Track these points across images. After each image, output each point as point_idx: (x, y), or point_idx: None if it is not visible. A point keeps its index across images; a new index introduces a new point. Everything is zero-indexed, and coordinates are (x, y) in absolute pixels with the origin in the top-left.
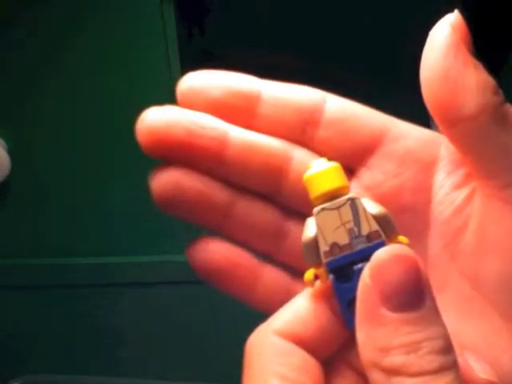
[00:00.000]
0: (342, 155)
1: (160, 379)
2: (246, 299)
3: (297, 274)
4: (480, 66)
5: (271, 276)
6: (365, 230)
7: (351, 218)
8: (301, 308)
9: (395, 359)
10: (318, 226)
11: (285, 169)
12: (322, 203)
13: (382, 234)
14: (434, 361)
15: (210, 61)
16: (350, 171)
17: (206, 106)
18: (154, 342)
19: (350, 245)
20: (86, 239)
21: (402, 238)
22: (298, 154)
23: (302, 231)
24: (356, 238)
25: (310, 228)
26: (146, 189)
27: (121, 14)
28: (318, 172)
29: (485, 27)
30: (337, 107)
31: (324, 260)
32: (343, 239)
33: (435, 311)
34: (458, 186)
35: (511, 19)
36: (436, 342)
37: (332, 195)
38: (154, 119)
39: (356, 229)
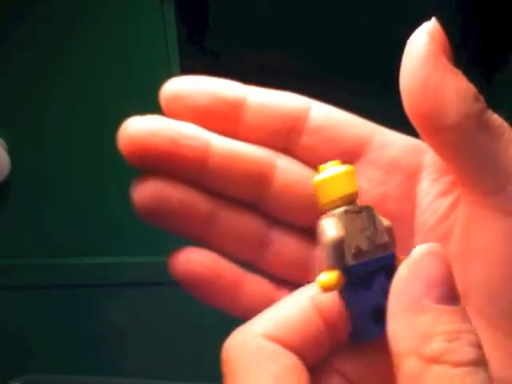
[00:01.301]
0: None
1: (160, 379)
2: (229, 310)
3: (280, 282)
4: (460, 74)
5: (254, 285)
6: (379, 240)
7: (369, 226)
8: (290, 312)
9: (436, 346)
10: (346, 227)
11: (269, 177)
12: (338, 207)
13: (391, 246)
14: (473, 352)
15: (210, 61)
16: None
17: (190, 113)
18: (153, 341)
19: (369, 252)
20: (85, 239)
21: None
22: (282, 163)
23: (286, 239)
24: (374, 246)
25: (333, 228)
26: None
27: (121, 14)
28: (336, 174)
29: (486, 27)
30: (321, 114)
31: (350, 263)
32: (364, 245)
33: (465, 311)
34: (443, 194)
35: (511, 19)
36: (473, 336)
37: (349, 200)
38: (137, 128)
39: (373, 237)
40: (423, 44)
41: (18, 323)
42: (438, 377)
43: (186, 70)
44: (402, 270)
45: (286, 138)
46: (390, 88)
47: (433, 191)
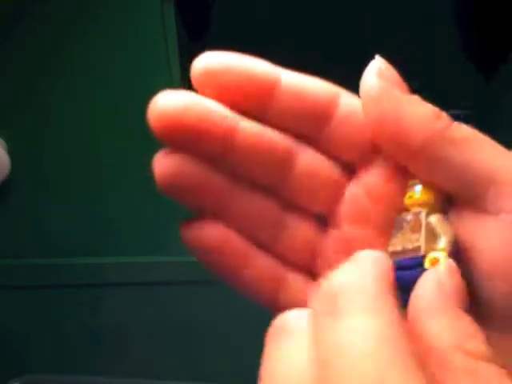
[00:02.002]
0: (347, 153)
1: (160, 379)
2: (233, 281)
3: (288, 264)
4: (415, 100)
5: (261, 263)
6: (410, 243)
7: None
8: None
9: (479, 344)
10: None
11: (290, 164)
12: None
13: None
14: None
15: None
16: (352, 170)
17: (222, 90)
18: (153, 341)
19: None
20: (85, 239)
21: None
22: (305, 150)
23: (299, 225)
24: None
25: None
26: (146, 189)
27: (121, 14)
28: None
29: (486, 27)
30: (350, 105)
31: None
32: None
33: None
34: None
35: (511, 19)
36: None
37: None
38: (167, 103)
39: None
40: (373, 85)
41: (18, 323)
42: (489, 371)
43: (186, 70)
44: (440, 276)
45: (313, 125)
46: None
47: None
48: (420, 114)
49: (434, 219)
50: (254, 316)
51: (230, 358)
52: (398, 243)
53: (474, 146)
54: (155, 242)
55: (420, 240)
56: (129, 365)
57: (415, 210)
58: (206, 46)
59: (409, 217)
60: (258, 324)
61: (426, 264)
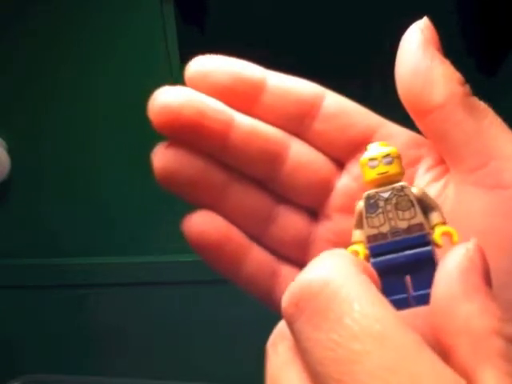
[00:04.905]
0: (335, 148)
1: (160, 379)
2: (232, 276)
3: (281, 257)
4: (447, 62)
5: (258, 256)
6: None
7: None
8: None
9: None
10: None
11: (282, 157)
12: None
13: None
14: None
15: None
16: (340, 164)
17: (212, 90)
18: (153, 342)
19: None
20: (85, 239)
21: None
22: (296, 145)
23: (290, 217)
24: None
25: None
26: (145, 189)
27: (121, 14)
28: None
29: (485, 26)
30: (334, 102)
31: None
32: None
33: None
34: (436, 179)
35: (511, 19)
36: None
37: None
38: (167, 98)
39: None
40: (415, 36)
41: (17, 323)
42: None
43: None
44: (460, 260)
45: (299, 122)
46: (380, 86)
47: (427, 176)
48: (449, 74)
49: (419, 192)
50: (254, 316)
51: (230, 358)
52: (382, 225)
53: (488, 119)
54: (155, 242)
55: (417, 217)
56: (128, 365)
57: (386, 187)
58: (206, 45)
59: (385, 194)
60: (258, 324)
61: (437, 239)
